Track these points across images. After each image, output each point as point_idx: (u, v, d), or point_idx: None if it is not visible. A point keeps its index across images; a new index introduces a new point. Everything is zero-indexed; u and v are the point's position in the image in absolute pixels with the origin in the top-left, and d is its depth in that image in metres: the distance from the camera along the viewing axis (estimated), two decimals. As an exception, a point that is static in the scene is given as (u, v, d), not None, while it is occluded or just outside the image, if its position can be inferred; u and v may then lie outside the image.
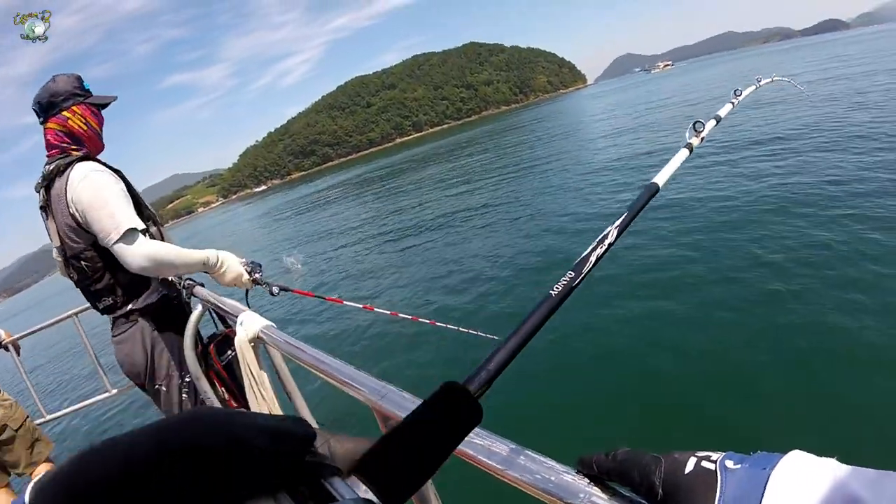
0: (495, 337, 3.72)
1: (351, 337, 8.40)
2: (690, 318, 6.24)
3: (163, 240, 2.77)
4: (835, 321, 5.33)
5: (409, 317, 3.35)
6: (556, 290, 0.95)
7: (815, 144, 12.69)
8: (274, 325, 1.96)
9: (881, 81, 22.61)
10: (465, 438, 0.63)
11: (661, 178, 1.35)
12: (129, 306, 2.69)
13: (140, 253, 2.35)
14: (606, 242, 1.11)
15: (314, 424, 0.99)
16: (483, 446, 0.86)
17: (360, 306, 3.15)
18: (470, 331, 3.71)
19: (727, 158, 12.95)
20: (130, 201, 2.54)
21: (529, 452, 0.83)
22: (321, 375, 1.43)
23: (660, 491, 0.57)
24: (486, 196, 18.36)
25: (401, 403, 1.10)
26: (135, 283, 2.66)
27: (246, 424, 0.48)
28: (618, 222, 1.16)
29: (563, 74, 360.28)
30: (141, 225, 2.42)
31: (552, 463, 0.79)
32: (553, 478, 0.76)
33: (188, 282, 2.78)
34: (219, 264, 2.71)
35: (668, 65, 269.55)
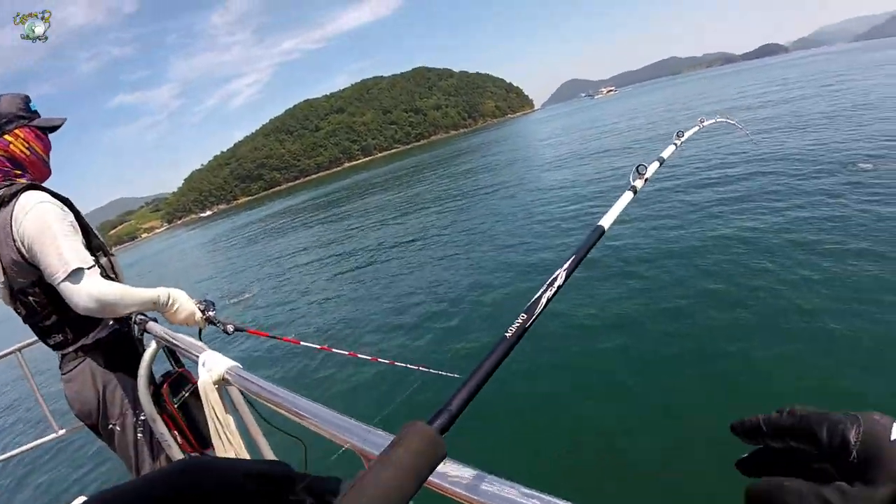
0: (455, 375, 3.77)
1: (308, 378, 8.30)
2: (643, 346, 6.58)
3: (114, 270, 2.68)
4: (776, 353, 5.67)
5: (368, 357, 3.31)
6: (510, 331, 1.00)
7: (756, 175, 13.13)
8: (240, 365, 1.88)
9: (818, 103, 23.64)
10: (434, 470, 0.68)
11: (606, 221, 1.44)
12: (80, 343, 2.56)
13: (87, 294, 2.21)
14: (556, 285, 1.18)
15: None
16: (449, 475, 0.90)
17: (317, 346, 3.11)
18: (430, 370, 3.70)
19: (670, 192, 13.28)
20: (79, 234, 2.40)
21: (493, 478, 0.88)
22: (293, 417, 1.41)
23: (854, 453, 0.48)
24: (437, 224, 18.42)
25: (374, 441, 1.11)
26: (85, 319, 2.49)
27: (233, 472, 0.49)
28: (566, 265, 1.23)
29: (511, 99, 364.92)
30: (89, 262, 2.29)
31: (517, 487, 0.84)
32: (521, 500, 0.81)
33: (140, 318, 2.63)
34: (170, 302, 2.57)
35: (611, 90, 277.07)
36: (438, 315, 9.44)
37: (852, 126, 17.26)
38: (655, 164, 1.89)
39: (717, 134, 18.83)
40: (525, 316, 1.05)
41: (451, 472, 0.91)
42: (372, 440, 1.13)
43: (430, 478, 0.76)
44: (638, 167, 1.71)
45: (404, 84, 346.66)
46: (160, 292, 2.55)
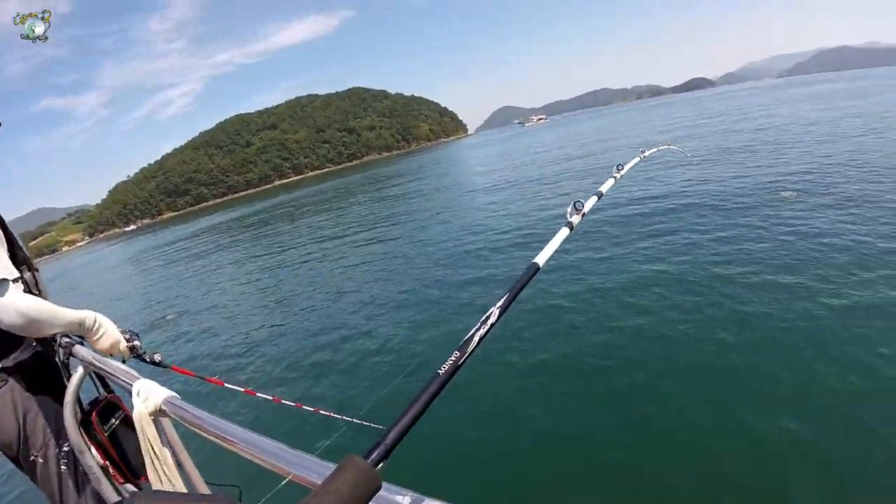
0: (380, 427, 3.76)
1: (232, 421, 7.96)
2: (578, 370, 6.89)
3: (37, 286, 2.48)
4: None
5: (292, 403, 3.23)
6: (443, 368, 1.07)
7: (684, 207, 13.67)
8: (177, 395, 1.78)
9: (743, 135, 24.93)
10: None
11: (541, 258, 1.43)
12: None
13: (13, 308, 1.98)
14: (489, 322, 1.21)
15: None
16: (387, 498, 0.93)
17: (242, 390, 3.01)
18: (354, 419, 3.65)
19: (602, 224, 13.57)
20: (4, 245, 2.20)
21: (431, 500, 0.92)
22: (233, 449, 1.36)
23: None
24: (368, 252, 18.38)
25: (317, 471, 1.10)
26: (5, 339, 2.29)
27: None
28: (500, 303, 1.23)
29: (446, 123, 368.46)
30: (14, 274, 2.08)
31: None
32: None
33: (65, 340, 2.42)
34: (96, 327, 2.35)
35: (541, 118, 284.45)
36: (368, 353, 9.37)
37: (774, 157, 18.39)
38: (594, 199, 1.92)
39: (652, 165, 19.49)
40: (458, 353, 1.11)
41: (389, 496, 0.93)
42: (313, 468, 1.11)
43: None
44: (575, 203, 1.70)
45: (339, 103, 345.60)
46: (87, 315, 2.33)
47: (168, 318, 17.08)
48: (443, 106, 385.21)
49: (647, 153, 2.90)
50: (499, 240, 15.07)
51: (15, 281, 2.07)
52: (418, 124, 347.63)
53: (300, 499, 0.97)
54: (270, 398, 3.15)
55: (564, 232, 1.58)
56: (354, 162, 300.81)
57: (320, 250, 21.84)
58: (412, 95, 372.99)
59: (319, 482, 0.87)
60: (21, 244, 2.47)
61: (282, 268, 20.70)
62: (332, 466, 0.86)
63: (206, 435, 1.44)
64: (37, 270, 2.56)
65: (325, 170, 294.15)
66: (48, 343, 2.51)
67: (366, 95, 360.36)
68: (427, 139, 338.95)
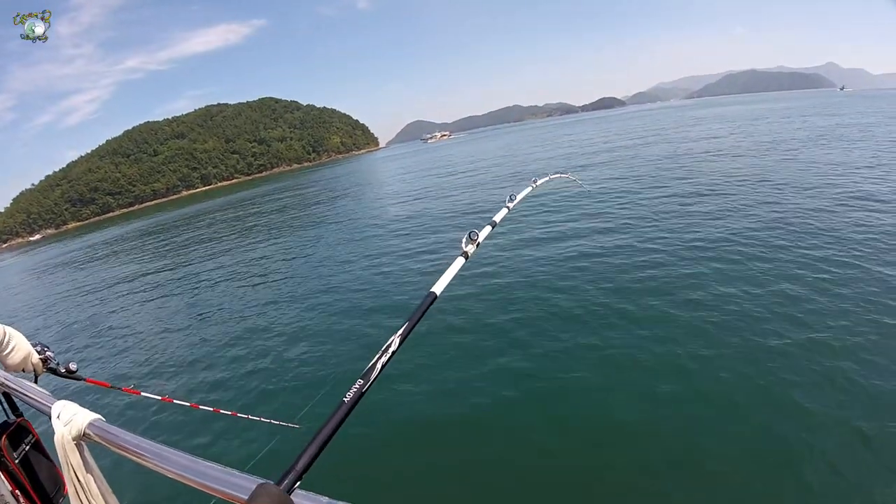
0: (295, 426, 3.91)
1: (153, 431, 7.80)
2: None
3: None
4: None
5: (210, 408, 3.22)
6: (348, 396, 1.11)
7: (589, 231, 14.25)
8: (102, 418, 1.67)
9: (651, 151, 26.17)
10: None
11: (438, 287, 1.50)
12: None
13: None
14: (391, 351, 1.27)
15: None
16: None
17: (159, 398, 2.97)
18: (272, 421, 3.68)
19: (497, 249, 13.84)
20: None
21: None
22: (165, 472, 1.33)
23: None
24: (277, 263, 18.23)
25: (245, 486, 1.11)
26: None
27: None
28: (400, 331, 1.31)
29: (357, 136, 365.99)
30: None
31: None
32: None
33: None
34: (6, 341, 2.20)
35: (444, 135, 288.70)
36: (279, 360, 9.46)
37: (676, 176, 19.38)
38: (487, 229, 2.00)
39: (551, 189, 19.91)
40: (362, 381, 1.16)
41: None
42: (241, 485, 1.13)
43: None
44: (470, 233, 1.77)
45: (250, 113, 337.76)
46: None
47: (75, 329, 16.53)
48: (354, 119, 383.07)
49: (539, 182, 3.01)
50: (402, 262, 15.31)
51: None
52: (330, 136, 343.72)
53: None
54: (188, 405, 3.12)
55: (460, 261, 1.65)
56: (265, 173, 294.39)
57: (223, 265, 21.59)
58: (324, 107, 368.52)
59: (245, 498, 0.92)
60: None
61: (186, 277, 20.53)
62: (258, 481, 0.94)
63: (135, 458, 1.41)
64: None
65: (234, 180, 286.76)
66: None
67: (276, 106, 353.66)
68: (338, 152, 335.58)
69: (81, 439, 1.68)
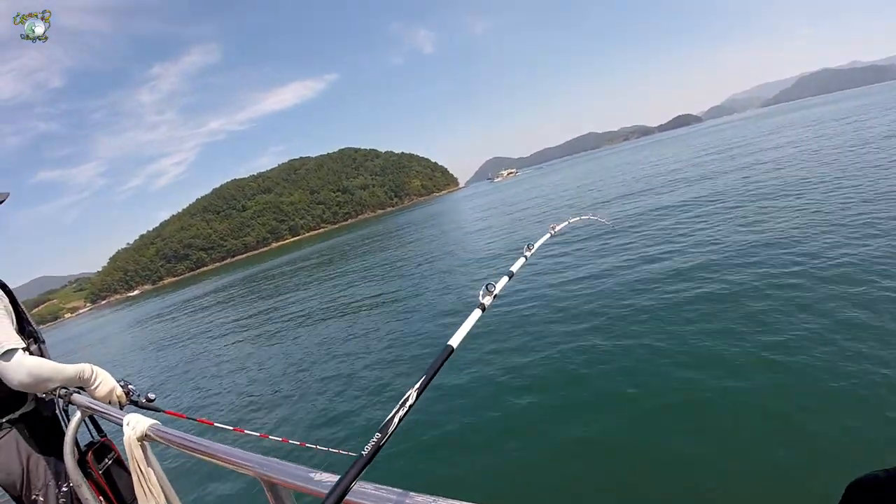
0: (353, 454, 3.97)
1: None
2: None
3: (42, 356, 2.76)
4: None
5: (280, 439, 3.35)
6: (366, 450, 1.14)
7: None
8: (160, 423, 2.10)
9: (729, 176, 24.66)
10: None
11: (455, 340, 1.53)
12: (6, 417, 2.65)
13: (20, 371, 2.34)
14: (408, 405, 1.29)
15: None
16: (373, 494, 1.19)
17: (231, 428, 3.14)
18: (330, 450, 3.78)
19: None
20: (13, 318, 2.57)
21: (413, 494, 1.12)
22: (212, 460, 1.57)
23: None
24: (355, 325, 18.17)
25: (286, 471, 1.33)
26: (13, 394, 2.63)
27: None
28: (417, 385, 1.33)
29: (437, 178, 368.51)
30: (21, 344, 2.41)
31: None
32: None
33: (63, 391, 2.73)
34: (94, 377, 2.72)
35: (511, 172, 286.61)
36: (344, 407, 9.51)
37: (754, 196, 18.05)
38: (504, 280, 2.01)
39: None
40: (379, 435, 1.18)
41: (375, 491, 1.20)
42: (284, 469, 1.35)
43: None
44: (487, 285, 1.78)
45: (331, 164, 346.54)
46: (84, 367, 2.71)
47: (164, 368, 18.10)
48: (433, 161, 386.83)
49: (558, 227, 2.92)
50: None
51: (24, 350, 2.42)
52: (410, 180, 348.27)
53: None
54: (257, 434, 3.29)
55: (477, 313, 1.65)
56: (350, 221, 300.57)
57: (301, 311, 22.18)
58: (402, 153, 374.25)
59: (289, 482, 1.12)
60: (30, 319, 2.84)
61: (271, 324, 21.35)
62: (303, 469, 1.20)
63: (191, 452, 1.63)
64: (43, 342, 2.91)
65: (321, 230, 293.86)
66: (48, 392, 2.80)
67: (356, 155, 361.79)
68: (419, 194, 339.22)
69: (144, 440, 2.14)
